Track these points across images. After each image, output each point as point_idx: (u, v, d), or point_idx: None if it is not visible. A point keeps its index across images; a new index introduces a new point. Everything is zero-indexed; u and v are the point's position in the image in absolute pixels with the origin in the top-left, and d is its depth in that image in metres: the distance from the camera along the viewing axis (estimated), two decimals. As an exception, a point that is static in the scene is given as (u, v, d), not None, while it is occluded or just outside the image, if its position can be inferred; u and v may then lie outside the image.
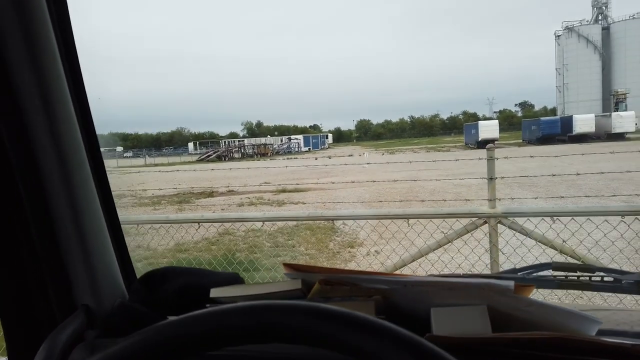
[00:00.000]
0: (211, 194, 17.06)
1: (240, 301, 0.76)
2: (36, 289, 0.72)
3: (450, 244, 3.36)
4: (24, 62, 0.66)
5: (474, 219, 3.26)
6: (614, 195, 4.12)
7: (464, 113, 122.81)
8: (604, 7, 75.74)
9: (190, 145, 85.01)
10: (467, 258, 3.48)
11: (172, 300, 0.79)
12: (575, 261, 2.89)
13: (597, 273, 0.88)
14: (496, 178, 3.30)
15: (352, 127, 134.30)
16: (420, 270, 3.63)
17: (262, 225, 3.63)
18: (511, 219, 3.18)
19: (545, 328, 0.67)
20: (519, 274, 0.92)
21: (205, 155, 58.75)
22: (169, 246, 6.19)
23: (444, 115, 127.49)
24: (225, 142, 78.77)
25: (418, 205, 8.55)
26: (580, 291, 3.13)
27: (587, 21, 75.43)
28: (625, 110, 54.66)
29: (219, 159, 54.13)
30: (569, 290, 3.17)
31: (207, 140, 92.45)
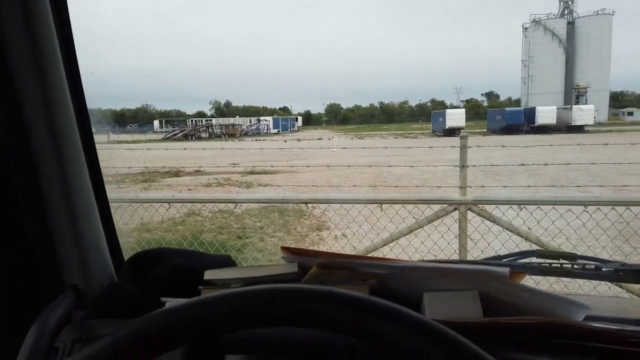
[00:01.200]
0: (177, 173, 16.74)
1: (235, 284, 0.75)
2: (24, 269, 0.69)
3: (421, 229, 3.43)
4: (19, 39, 0.63)
5: (445, 206, 3.34)
6: (577, 186, 4.29)
7: (432, 101, 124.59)
8: (570, 2, 77.76)
9: (156, 122, 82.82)
10: (437, 243, 3.57)
11: (165, 281, 0.78)
12: (540, 248, 3.01)
13: (578, 261, 0.91)
14: (468, 166, 3.38)
15: (322, 111, 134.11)
16: (392, 255, 3.69)
17: (235, 207, 3.60)
18: (480, 206, 3.27)
19: (535, 313, 0.69)
20: (503, 260, 0.94)
21: (172, 133, 57.43)
22: (133, 225, 6.06)
23: (413, 103, 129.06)
24: (192, 121, 77.11)
25: (389, 190, 8.67)
26: (570, 279, 3.27)
27: (553, 15, 77.35)
28: (586, 103, 56.77)
29: (186, 138, 53.07)
30: (560, 278, 3.31)
31: (173, 119, 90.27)
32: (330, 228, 7.22)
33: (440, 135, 43.04)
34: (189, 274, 0.76)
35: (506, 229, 3.20)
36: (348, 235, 6.20)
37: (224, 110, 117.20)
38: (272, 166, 16.19)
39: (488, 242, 3.23)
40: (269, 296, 0.46)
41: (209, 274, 0.75)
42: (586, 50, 73.78)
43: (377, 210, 3.43)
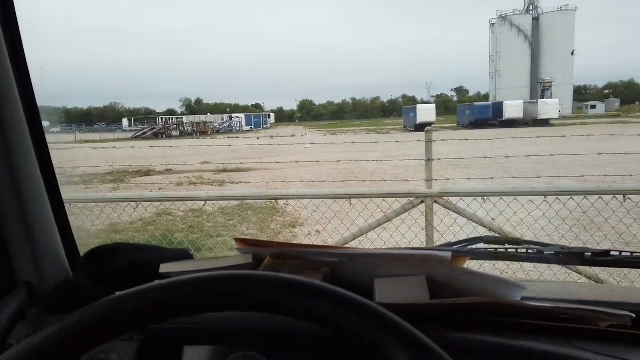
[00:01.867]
0: (148, 172, 16.44)
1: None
2: None
3: (389, 222, 3.49)
4: None
5: (412, 199, 3.41)
6: (537, 177, 4.44)
7: (404, 96, 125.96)
8: (535, -2, 79.85)
9: (125, 121, 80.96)
10: (405, 236, 3.64)
11: (121, 276, 0.79)
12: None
13: (523, 245, 0.96)
14: (433, 160, 3.46)
15: (295, 107, 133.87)
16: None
17: (204, 205, 3.58)
18: (446, 198, 3.35)
19: (476, 294, 0.74)
20: (454, 247, 0.99)
21: (141, 132, 56.29)
22: (102, 226, 5.94)
23: (385, 98, 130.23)
24: (162, 119, 75.73)
25: (359, 185, 8.75)
26: (519, 264, 3.39)
27: (519, 11, 79.21)
28: (551, 97, 58.41)
29: (156, 136, 52.11)
30: (514, 264, 3.42)
31: (143, 117, 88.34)
32: (303, 224, 7.24)
33: (412, 131, 43.56)
34: (146, 268, 0.78)
35: (471, 220, 3.30)
36: (320, 231, 6.24)
37: (195, 107, 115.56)
38: (245, 164, 16.09)
39: (454, 233, 3.32)
40: (204, 284, 0.48)
41: (164, 267, 0.76)
42: (550, 46, 75.87)
43: (347, 205, 3.48)
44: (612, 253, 0.90)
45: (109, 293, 0.74)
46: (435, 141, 3.44)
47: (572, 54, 73.64)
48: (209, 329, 0.72)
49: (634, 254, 0.90)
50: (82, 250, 0.88)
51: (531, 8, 79.61)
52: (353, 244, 3.59)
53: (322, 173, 13.13)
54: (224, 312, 0.50)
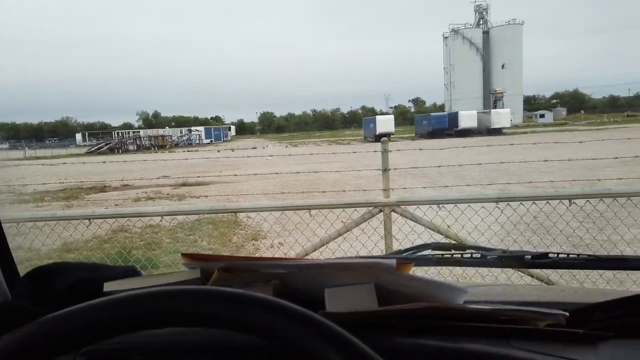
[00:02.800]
0: (103, 188, 15.90)
1: None
2: None
3: (349, 232, 3.52)
4: None
5: (370, 208, 3.46)
6: (490, 184, 4.61)
7: (363, 108, 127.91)
8: (484, 12, 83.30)
9: (78, 136, 78.31)
10: (365, 245, 3.68)
11: (62, 296, 0.76)
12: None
13: (467, 251, 1.00)
14: (390, 169, 3.53)
15: (256, 120, 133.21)
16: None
17: (160, 221, 3.50)
18: (403, 207, 3.42)
19: (422, 300, 0.76)
20: (404, 254, 1.02)
21: (96, 147, 54.55)
22: (54, 246, 5.68)
23: (345, 110, 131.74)
24: (118, 133, 73.64)
25: (320, 196, 8.79)
26: (476, 270, 3.48)
27: (470, 25, 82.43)
28: (503, 107, 60.80)
29: (112, 151, 50.61)
30: (472, 270, 3.50)
31: (97, 131, 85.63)
32: (265, 237, 7.18)
33: (372, 141, 44.24)
34: (89, 287, 0.75)
35: (428, 227, 3.37)
36: (283, 243, 6.21)
37: (152, 121, 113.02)
38: (205, 177, 15.81)
39: (412, 241, 3.39)
40: (137, 302, 0.47)
41: (109, 286, 0.74)
42: (500, 58, 79.22)
43: (308, 216, 3.49)
44: (549, 255, 0.95)
45: (48, 314, 0.72)
46: (391, 151, 3.51)
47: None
48: (154, 347, 0.71)
49: (570, 255, 0.95)
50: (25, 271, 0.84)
51: (481, 22, 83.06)
52: (314, 255, 3.60)
53: (283, 185, 13.09)
54: (165, 329, 0.49)
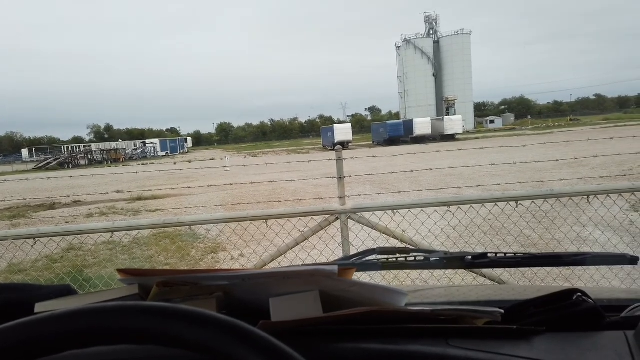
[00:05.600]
0: (52, 205, 15.21)
1: None
2: None
3: (306, 240, 3.52)
4: None
5: (327, 216, 3.47)
6: (440, 189, 4.74)
7: (321, 117, 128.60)
8: (434, 23, 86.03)
9: (25, 151, 74.66)
10: (323, 253, 3.69)
11: None
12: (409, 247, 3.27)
13: (411, 254, 1.03)
14: (345, 177, 3.56)
15: (213, 131, 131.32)
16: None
17: (111, 237, 3.38)
18: (359, 214, 3.46)
19: (365, 304, 0.77)
20: (351, 260, 1.03)
21: (45, 162, 52.14)
22: (0, 267, 5.37)
23: (303, 119, 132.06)
24: (68, 147, 70.73)
25: (279, 206, 8.75)
26: (429, 272, 3.55)
27: (421, 35, 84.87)
28: (455, 114, 62.76)
29: (62, 166, 48.54)
30: (425, 273, 3.56)
31: (45, 146, 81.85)
32: (225, 249, 7.07)
33: (331, 149, 44.58)
34: (18, 309, 0.72)
35: (383, 233, 3.42)
36: (243, 254, 6.13)
37: (104, 134, 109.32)
38: (161, 190, 15.41)
39: (368, 247, 3.43)
40: (56, 321, 0.46)
41: (40, 307, 0.71)
42: (451, 66, 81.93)
43: (265, 226, 3.46)
44: (488, 255, 0.99)
45: None
46: (345, 159, 3.55)
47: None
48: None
49: (507, 254, 0.99)
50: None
51: (431, 32, 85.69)
52: (272, 265, 3.57)
53: (242, 196, 12.94)
54: (93, 349, 0.47)
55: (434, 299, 0.89)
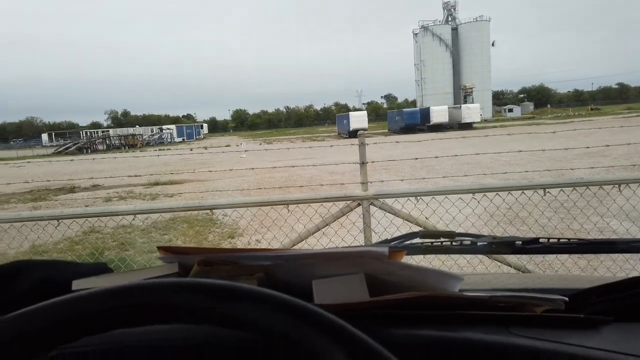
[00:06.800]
0: (72, 189, 15.46)
1: None
2: None
3: (328, 227, 3.48)
4: None
5: (348, 202, 3.42)
6: (465, 176, 4.65)
7: (336, 104, 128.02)
8: (452, 10, 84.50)
9: (45, 136, 76.02)
10: (344, 239, 3.65)
11: (27, 297, 0.69)
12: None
13: (456, 238, 0.98)
14: (367, 162, 3.50)
15: (229, 117, 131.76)
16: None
17: (133, 220, 3.39)
18: (381, 200, 3.40)
19: (415, 288, 0.72)
20: (392, 243, 0.98)
21: (64, 147, 53.05)
22: (22, 248, 5.47)
23: (318, 106, 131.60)
24: (86, 132, 71.71)
25: (297, 191, 8.74)
26: (454, 261, 3.49)
27: (439, 21, 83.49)
28: (472, 102, 61.85)
29: (80, 151, 49.30)
30: (449, 260, 3.51)
31: (65, 131, 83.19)
32: (242, 234, 7.09)
33: (346, 137, 44.41)
34: (55, 286, 0.69)
35: (406, 220, 3.37)
36: (260, 240, 6.13)
37: (121, 120, 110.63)
38: (178, 175, 15.52)
39: (391, 234, 3.38)
40: (103, 297, 0.42)
41: (77, 284, 0.68)
42: (469, 54, 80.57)
43: (285, 212, 3.44)
44: (540, 240, 0.93)
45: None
46: (368, 145, 3.49)
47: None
48: (130, 348, 0.65)
49: (561, 240, 0.94)
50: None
51: (450, 19, 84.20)
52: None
53: (259, 181, 12.97)
54: (142, 328, 0.44)
55: (485, 285, 0.84)
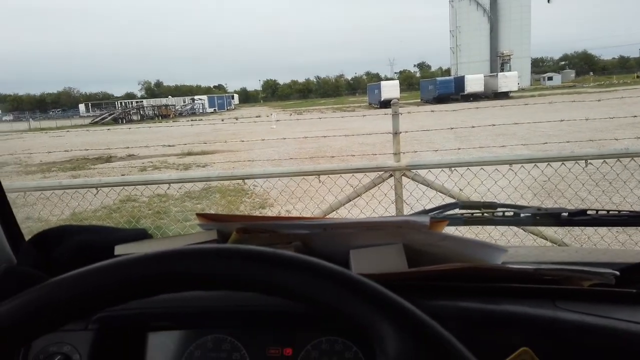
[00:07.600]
0: (109, 158, 15.92)
1: None
2: None
3: (359, 197, 3.47)
4: None
5: (380, 173, 3.39)
6: (502, 146, 4.52)
7: (367, 74, 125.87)
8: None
9: (82, 107, 78.15)
10: (375, 210, 3.63)
11: (70, 260, 0.71)
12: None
13: (498, 209, 0.94)
14: (400, 133, 3.44)
15: (259, 88, 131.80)
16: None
17: (168, 189, 3.46)
18: (414, 171, 3.35)
19: (456, 260, 0.70)
20: (430, 214, 0.96)
21: (100, 117, 54.46)
22: (63, 216, 5.70)
23: (348, 76, 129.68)
24: (121, 103, 73.30)
25: (328, 162, 8.72)
26: (488, 233, 3.43)
27: (477, -16, 79.87)
28: (510, 70, 59.57)
29: (116, 121, 50.53)
30: (484, 232, 3.45)
31: (100, 102, 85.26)
32: (273, 205, 7.17)
33: (377, 107, 43.76)
34: (98, 251, 0.70)
35: (439, 191, 3.31)
36: (290, 210, 6.19)
37: (154, 90, 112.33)
38: (210, 146, 15.73)
39: (423, 205, 3.33)
40: (150, 262, 0.42)
41: (120, 249, 0.70)
42: (508, 19, 77.05)
43: (316, 182, 3.43)
44: (588, 212, 0.89)
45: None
46: (401, 114, 3.41)
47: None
48: (172, 312, 0.66)
49: (610, 212, 0.89)
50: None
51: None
52: (323, 221, 3.56)
53: (289, 152, 13.01)
54: (185, 293, 0.44)
55: (530, 258, 0.81)
